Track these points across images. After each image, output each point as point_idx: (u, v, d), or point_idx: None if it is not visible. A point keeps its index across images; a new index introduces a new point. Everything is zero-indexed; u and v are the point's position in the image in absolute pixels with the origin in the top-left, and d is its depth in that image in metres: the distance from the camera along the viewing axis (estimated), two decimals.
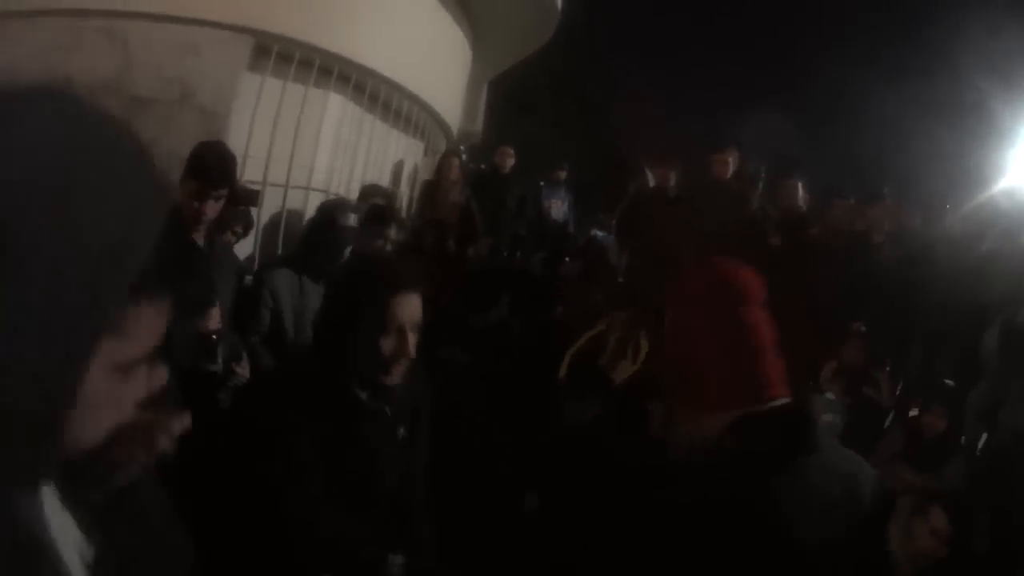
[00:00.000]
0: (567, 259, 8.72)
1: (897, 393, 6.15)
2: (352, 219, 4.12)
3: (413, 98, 7.14)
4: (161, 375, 1.06)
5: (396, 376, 2.22)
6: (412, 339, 2.20)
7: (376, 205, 4.76)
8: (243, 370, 3.40)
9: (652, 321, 6.82)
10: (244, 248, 5.05)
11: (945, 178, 8.08)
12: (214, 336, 3.21)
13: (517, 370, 5.45)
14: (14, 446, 0.80)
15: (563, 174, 9.42)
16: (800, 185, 7.12)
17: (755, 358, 1.67)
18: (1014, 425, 5.29)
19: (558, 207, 9.15)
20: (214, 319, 3.29)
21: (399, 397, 2.31)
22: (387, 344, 2.16)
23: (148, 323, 1.00)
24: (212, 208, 3.36)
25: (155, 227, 0.95)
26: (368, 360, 2.18)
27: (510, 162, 8.80)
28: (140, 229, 0.92)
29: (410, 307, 2.20)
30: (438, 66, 7.58)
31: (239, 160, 5.07)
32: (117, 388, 0.96)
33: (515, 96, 16.09)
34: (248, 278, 4.12)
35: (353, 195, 6.30)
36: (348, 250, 4.15)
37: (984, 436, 5.61)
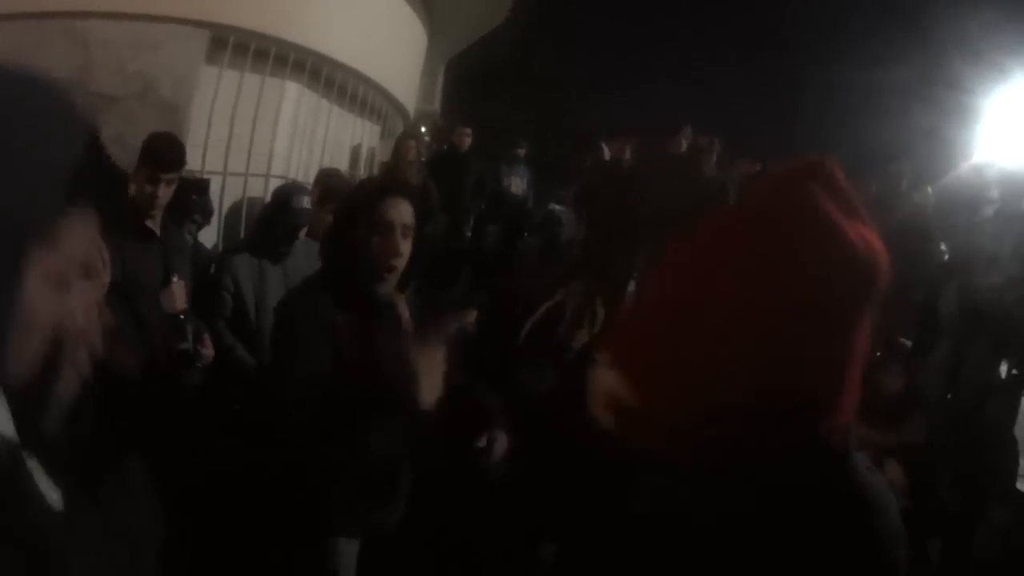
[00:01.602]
0: (526, 234, 8.89)
1: None
2: (306, 201, 4.24)
3: (369, 82, 7.26)
4: (98, 287, 1.14)
5: (394, 276, 2.45)
6: (403, 242, 2.42)
7: (326, 183, 4.87)
8: (208, 349, 3.58)
9: (608, 290, 7.04)
10: (207, 237, 5.19)
11: (912, 152, 8.20)
12: (181, 316, 3.41)
13: (479, 342, 5.63)
14: None
15: (521, 151, 9.53)
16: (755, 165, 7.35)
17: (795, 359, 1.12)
18: (975, 383, 5.51)
19: (518, 184, 9.26)
20: (180, 298, 3.47)
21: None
22: (379, 242, 2.38)
23: (77, 234, 1.08)
24: (164, 192, 3.59)
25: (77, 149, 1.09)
26: (365, 258, 2.40)
27: (468, 141, 8.94)
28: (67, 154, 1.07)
29: (398, 209, 2.42)
30: (393, 49, 7.70)
31: (200, 151, 5.23)
32: (52, 298, 1.02)
33: (472, 76, 16.16)
34: (212, 266, 4.26)
35: (312, 180, 6.44)
36: (303, 231, 4.29)
37: (945, 394, 5.81)
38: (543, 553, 4.70)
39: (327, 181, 4.94)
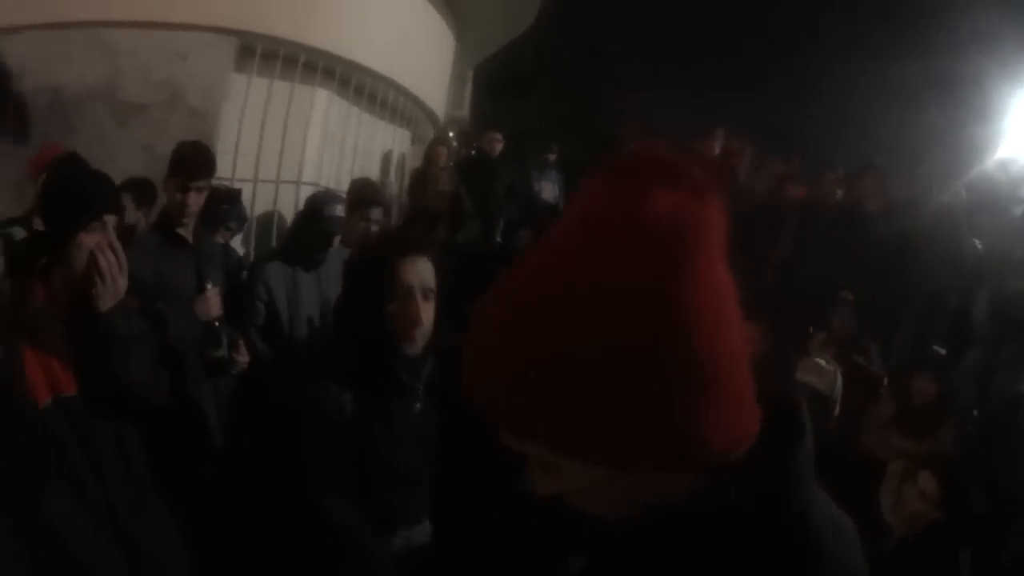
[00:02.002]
0: None
1: (892, 363, 6.20)
2: (339, 209, 4.19)
3: (398, 88, 7.23)
4: None
5: (417, 344, 2.11)
6: (424, 305, 2.10)
7: (359, 190, 4.81)
8: (243, 356, 3.51)
9: None
10: (237, 244, 5.15)
11: (938, 151, 8.03)
12: (215, 323, 3.34)
13: None
14: None
15: (552, 156, 9.43)
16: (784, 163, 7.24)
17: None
18: (1006, 391, 5.38)
19: (549, 189, 9.16)
20: (215, 305, 3.41)
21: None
22: (396, 309, 2.08)
23: None
24: (195, 200, 3.52)
25: None
26: (380, 328, 2.08)
27: (498, 147, 8.83)
28: None
29: (417, 270, 2.11)
30: (422, 55, 7.65)
31: (230, 158, 5.19)
32: None
33: (501, 81, 16.11)
34: (244, 273, 4.21)
35: (343, 187, 6.40)
36: (337, 239, 4.23)
37: (976, 402, 5.69)
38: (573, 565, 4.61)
39: (358, 190, 4.89)
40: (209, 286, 3.43)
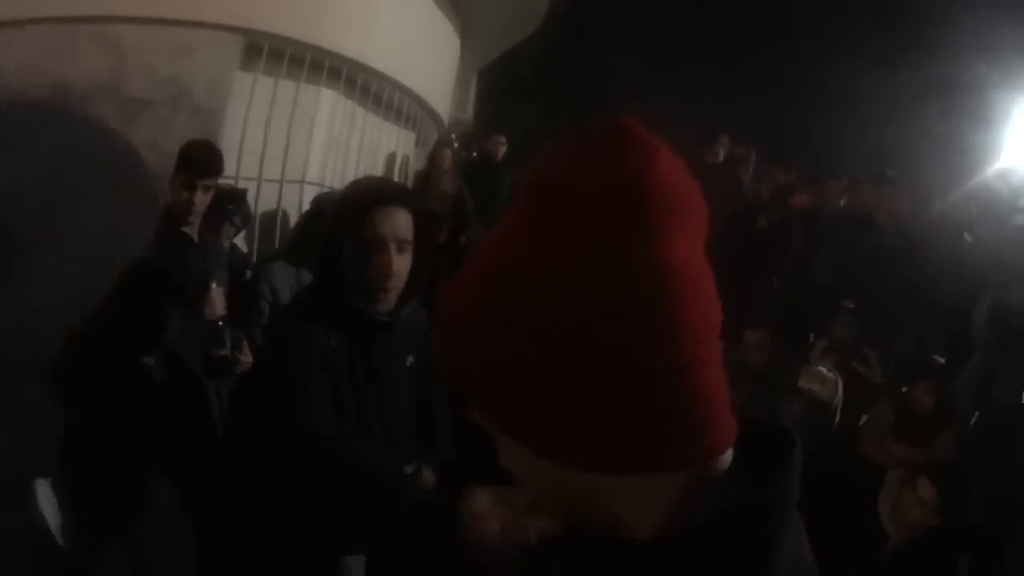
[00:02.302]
0: None
1: (890, 372, 6.21)
2: None
3: (404, 90, 7.22)
4: None
5: (390, 298, 2.13)
6: (398, 256, 2.09)
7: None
8: (246, 356, 3.52)
9: None
10: (241, 243, 5.15)
11: (939, 161, 8.06)
12: (220, 322, 3.34)
13: None
14: None
15: None
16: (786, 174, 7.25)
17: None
18: (1005, 400, 5.40)
19: None
20: (219, 305, 3.41)
21: (405, 322, 2.21)
22: (369, 261, 2.07)
23: None
24: (201, 199, 3.51)
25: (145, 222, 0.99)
26: (356, 279, 2.09)
27: (502, 150, 8.83)
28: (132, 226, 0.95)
29: (391, 221, 2.08)
30: (428, 57, 7.66)
31: (235, 157, 5.18)
32: None
33: (505, 84, 16.12)
34: (248, 273, 4.20)
35: None
36: None
37: (975, 411, 5.70)
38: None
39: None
40: (214, 285, 3.42)
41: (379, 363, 2.18)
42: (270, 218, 5.77)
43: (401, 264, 2.10)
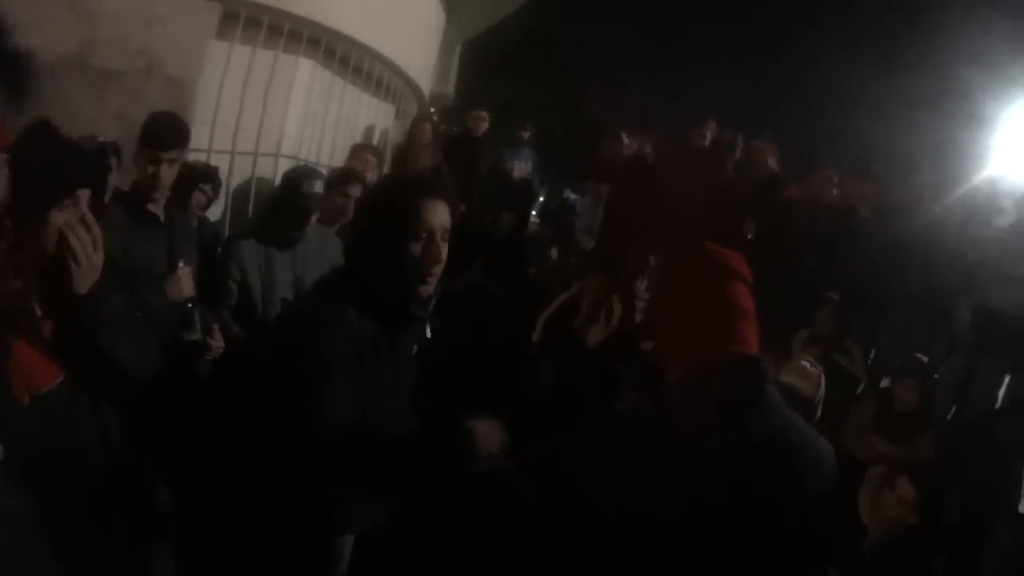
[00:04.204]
0: (537, 221, 8.72)
1: (869, 363, 6.24)
2: (318, 186, 4.06)
3: (384, 62, 7.08)
4: None
5: (432, 285, 2.26)
6: (442, 245, 2.23)
7: (338, 168, 4.72)
8: (217, 341, 3.41)
9: (625, 284, 6.89)
10: (214, 216, 5.03)
11: (928, 165, 8.08)
12: (189, 304, 3.23)
13: (492, 334, 5.48)
14: None
15: (526, 134, 9.33)
16: (773, 147, 7.18)
17: (729, 318, 1.84)
18: (982, 401, 5.46)
19: (520, 167, 9.07)
20: (187, 286, 3.29)
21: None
22: (418, 249, 2.19)
23: None
24: (167, 173, 3.40)
25: None
26: (401, 268, 2.20)
27: (484, 126, 8.72)
28: None
29: (438, 212, 2.23)
30: (410, 29, 7.53)
31: (208, 129, 5.05)
32: None
33: (488, 59, 15.99)
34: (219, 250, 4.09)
35: (323, 161, 6.28)
36: (315, 218, 4.12)
37: (954, 409, 5.75)
38: None
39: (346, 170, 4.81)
40: (181, 265, 3.31)
41: (403, 353, 2.34)
42: (243, 192, 5.66)
43: (444, 252, 2.25)
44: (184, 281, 3.29)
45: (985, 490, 4.80)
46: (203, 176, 4.46)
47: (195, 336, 3.23)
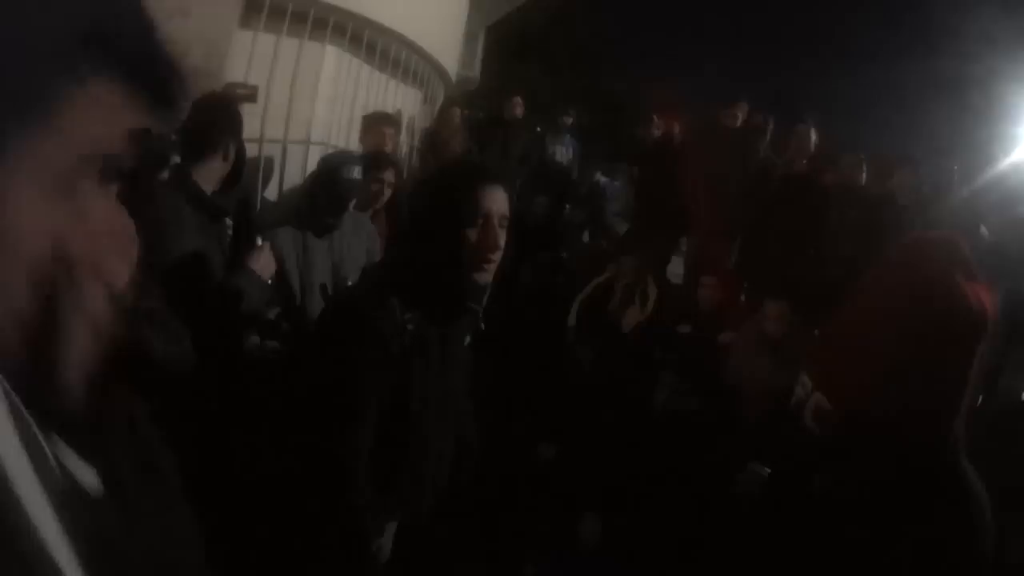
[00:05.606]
0: (567, 206, 8.65)
1: None
2: (356, 171, 3.98)
3: (411, 46, 7.05)
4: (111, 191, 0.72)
5: (489, 273, 2.18)
6: (500, 232, 2.16)
7: (370, 154, 4.64)
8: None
9: (659, 267, 6.81)
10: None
11: (952, 154, 7.98)
12: (270, 281, 3.15)
13: (527, 317, 5.43)
14: None
15: (569, 120, 9.28)
16: (812, 131, 7.05)
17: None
18: (1011, 392, 5.37)
19: (563, 153, 9.04)
20: (269, 261, 3.19)
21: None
22: (474, 235, 2.12)
23: (92, 117, 0.64)
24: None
25: None
26: (457, 253, 2.13)
27: (519, 111, 8.66)
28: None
29: (495, 198, 2.16)
30: (435, 13, 7.48)
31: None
32: (47, 208, 0.63)
33: (512, 42, 15.92)
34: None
35: (352, 147, 6.24)
36: (352, 204, 4.06)
37: (980, 399, 5.68)
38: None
39: (379, 125, 4.74)
40: (259, 241, 3.22)
41: (455, 345, 2.28)
42: (273, 180, 5.61)
43: (503, 239, 2.17)
44: (266, 256, 3.18)
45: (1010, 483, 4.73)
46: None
47: (273, 315, 3.16)
